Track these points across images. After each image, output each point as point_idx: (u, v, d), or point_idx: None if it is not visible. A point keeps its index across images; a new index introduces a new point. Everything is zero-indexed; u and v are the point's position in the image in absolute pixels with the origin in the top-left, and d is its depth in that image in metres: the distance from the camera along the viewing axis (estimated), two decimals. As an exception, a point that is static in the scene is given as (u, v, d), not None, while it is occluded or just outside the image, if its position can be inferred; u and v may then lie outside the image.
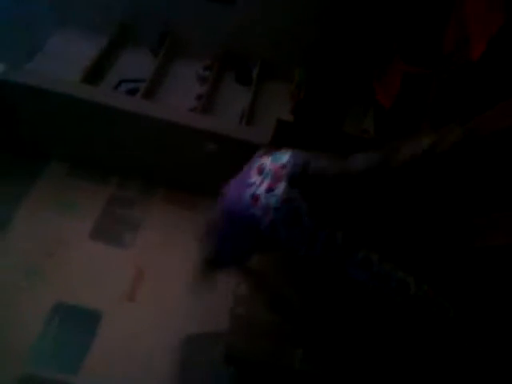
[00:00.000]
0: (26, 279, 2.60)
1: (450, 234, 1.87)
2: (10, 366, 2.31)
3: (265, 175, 1.66)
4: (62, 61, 3.36)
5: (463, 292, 1.73)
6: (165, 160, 2.97)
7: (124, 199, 3.09)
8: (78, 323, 2.50)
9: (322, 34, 3.24)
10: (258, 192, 1.64)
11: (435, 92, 2.38)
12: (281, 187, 1.59)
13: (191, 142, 2.73)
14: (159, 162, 3.00)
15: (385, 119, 2.98)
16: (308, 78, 3.21)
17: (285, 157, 1.67)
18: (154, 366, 2.42)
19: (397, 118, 2.76)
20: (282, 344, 1.73)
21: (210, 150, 2.70)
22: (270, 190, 1.61)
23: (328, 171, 1.66)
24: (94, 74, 3.31)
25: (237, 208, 1.74)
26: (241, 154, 2.71)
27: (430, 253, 1.92)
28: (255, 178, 1.69)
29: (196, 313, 2.64)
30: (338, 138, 2.32)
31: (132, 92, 3.26)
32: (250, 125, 3.25)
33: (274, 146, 2.31)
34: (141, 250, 2.87)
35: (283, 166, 1.63)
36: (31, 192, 2.97)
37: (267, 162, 1.70)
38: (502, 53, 1.78)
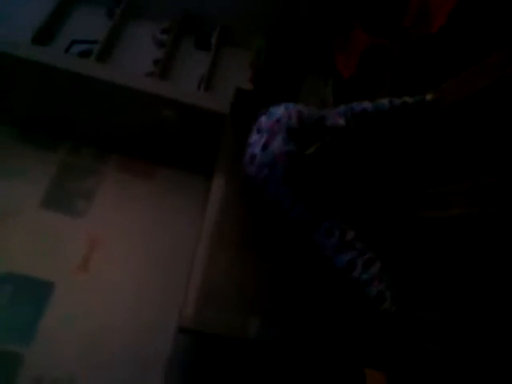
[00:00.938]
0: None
1: (405, 205, 1.92)
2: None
3: (262, 133, 1.68)
4: (11, 20, 3.17)
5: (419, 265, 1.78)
6: (120, 126, 2.88)
7: (76, 166, 2.97)
8: (29, 294, 2.42)
9: (282, 2, 3.19)
10: (256, 151, 1.66)
11: (394, 63, 2.39)
12: (275, 143, 1.61)
13: (147, 108, 2.66)
14: (114, 128, 2.90)
15: (344, 89, 2.99)
16: (268, 46, 3.17)
17: (278, 111, 1.70)
18: (108, 339, 2.39)
19: (356, 88, 2.77)
20: (241, 314, 1.75)
21: (166, 117, 2.64)
22: (265, 146, 1.63)
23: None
24: (45, 34, 3.14)
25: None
26: (198, 121, 2.68)
27: (385, 223, 1.97)
28: (254, 137, 1.72)
29: (151, 284, 2.62)
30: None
31: (85, 54, 3.11)
32: (209, 92, 3.19)
33: (234, 115, 2.30)
34: (94, 219, 2.78)
35: (278, 120, 1.66)
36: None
37: (264, 119, 1.73)
38: (460, 26, 1.80)
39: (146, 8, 3.53)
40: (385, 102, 1.79)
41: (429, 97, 1.80)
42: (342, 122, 1.71)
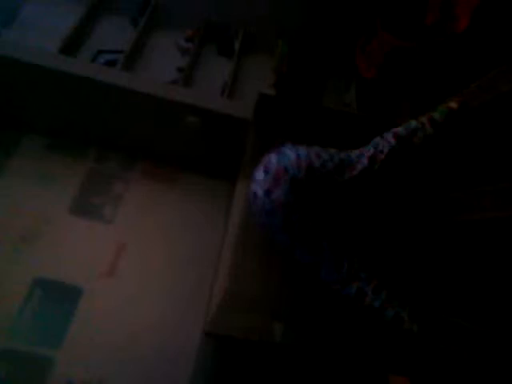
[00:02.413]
0: (5, 255, 2.57)
1: (432, 208, 1.89)
2: (-9, 341, 2.31)
3: (268, 175, 1.64)
4: (38, 30, 3.26)
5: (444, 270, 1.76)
6: (145, 133, 2.93)
7: (103, 173, 3.04)
8: (58, 298, 2.49)
9: (304, 8, 3.19)
10: (259, 192, 1.64)
11: (418, 64, 2.37)
12: (277, 193, 1.58)
13: (172, 115, 2.69)
14: (140, 135, 2.96)
15: (367, 93, 2.97)
16: (291, 51, 3.17)
17: (290, 157, 1.64)
18: (134, 342, 2.44)
19: (379, 91, 2.75)
20: (265, 318, 1.75)
21: (190, 124, 2.67)
22: (268, 192, 1.61)
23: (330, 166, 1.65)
24: (71, 44, 3.22)
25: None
26: (222, 127, 2.70)
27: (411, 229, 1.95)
28: (260, 176, 1.68)
29: (178, 288, 2.66)
30: (320, 112, 2.31)
31: (111, 63, 3.17)
32: (233, 98, 3.21)
33: (257, 120, 2.31)
34: (121, 225, 2.84)
35: (285, 170, 1.61)
36: (9, 166, 2.91)
37: (274, 160, 1.67)
38: (486, 25, 1.77)
39: (170, 17, 3.59)
40: (412, 122, 1.77)
41: (453, 105, 1.77)
42: (363, 164, 1.67)
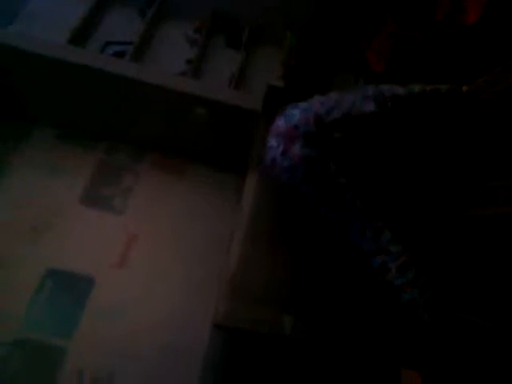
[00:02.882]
0: (17, 246, 2.60)
1: (448, 202, 1.89)
2: (4, 331, 2.34)
3: (280, 138, 1.68)
4: (46, 21, 3.25)
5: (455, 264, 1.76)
6: (154, 125, 2.94)
7: (113, 164, 3.07)
8: (69, 289, 2.53)
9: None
10: (276, 156, 1.68)
11: (428, 57, 2.36)
12: (294, 149, 1.62)
13: (181, 106, 2.70)
14: (149, 127, 2.97)
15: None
16: (300, 44, 3.16)
17: (296, 115, 1.68)
18: (146, 332, 2.47)
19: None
20: (275, 311, 1.75)
21: (198, 116, 2.67)
22: (284, 152, 1.64)
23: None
24: (80, 35, 3.21)
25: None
26: (231, 119, 2.70)
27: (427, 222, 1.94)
28: (273, 142, 1.71)
29: (188, 279, 2.69)
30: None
31: (119, 55, 3.17)
32: (241, 90, 3.21)
33: (266, 112, 2.31)
34: (131, 216, 2.87)
35: (296, 127, 1.64)
36: (19, 157, 2.93)
37: (281, 123, 1.72)
38: (496, 18, 1.76)
39: (178, 7, 3.56)
40: (417, 86, 1.76)
41: (464, 88, 1.77)
42: (371, 108, 1.67)
